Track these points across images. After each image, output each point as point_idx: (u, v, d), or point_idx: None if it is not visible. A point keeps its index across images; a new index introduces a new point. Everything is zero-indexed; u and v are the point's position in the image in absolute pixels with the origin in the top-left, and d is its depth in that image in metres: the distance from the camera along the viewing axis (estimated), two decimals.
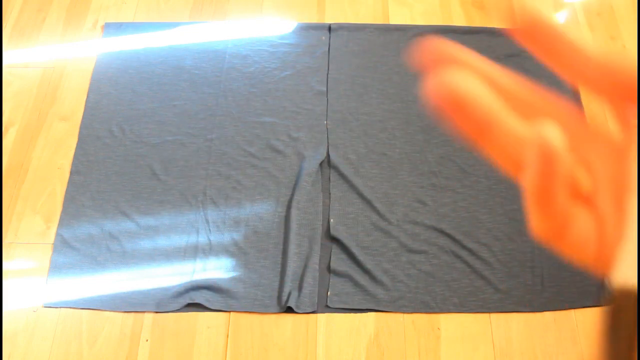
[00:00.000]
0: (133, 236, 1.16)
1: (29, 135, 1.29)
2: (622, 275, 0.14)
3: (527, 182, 0.15)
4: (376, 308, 1.09)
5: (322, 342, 1.06)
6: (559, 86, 1.34)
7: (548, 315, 1.09)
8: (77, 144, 1.27)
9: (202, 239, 1.16)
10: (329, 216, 1.18)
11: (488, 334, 1.07)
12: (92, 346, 1.05)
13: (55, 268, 1.12)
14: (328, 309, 1.09)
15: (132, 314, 1.08)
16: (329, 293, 1.10)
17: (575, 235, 0.16)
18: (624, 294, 0.14)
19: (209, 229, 1.16)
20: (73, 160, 1.25)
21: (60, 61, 1.40)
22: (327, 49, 1.40)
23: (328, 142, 1.27)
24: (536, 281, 1.12)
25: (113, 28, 1.44)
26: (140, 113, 1.31)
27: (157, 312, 1.08)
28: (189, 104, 1.32)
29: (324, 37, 1.42)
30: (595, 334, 1.08)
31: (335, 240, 1.15)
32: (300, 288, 1.09)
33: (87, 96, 1.33)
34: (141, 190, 1.21)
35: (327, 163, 1.25)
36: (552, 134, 0.14)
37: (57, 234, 1.16)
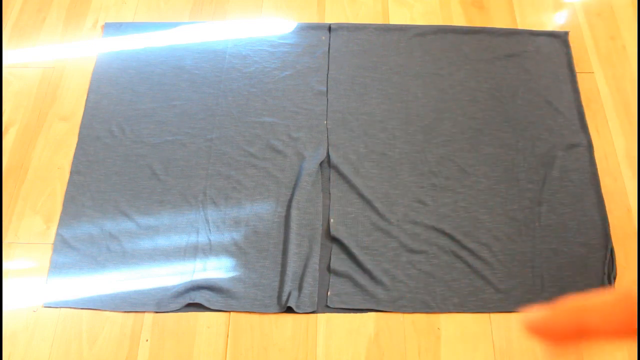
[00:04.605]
0: (133, 236, 1.16)
1: (29, 135, 1.29)
2: None
3: None
4: (376, 308, 1.09)
5: (322, 342, 1.06)
6: (561, 90, 1.34)
7: None
8: (77, 144, 1.27)
9: (202, 239, 1.16)
10: (329, 216, 1.18)
11: (488, 334, 1.07)
12: (92, 346, 1.05)
13: (55, 268, 1.12)
14: (328, 309, 1.09)
15: (132, 314, 1.08)
16: (329, 293, 1.10)
17: None
18: None
19: (209, 229, 1.16)
20: (73, 160, 1.25)
21: (60, 61, 1.40)
22: (327, 49, 1.40)
23: (328, 142, 1.27)
24: (536, 281, 1.12)
25: (113, 28, 1.44)
26: (140, 113, 1.31)
27: (157, 312, 1.08)
28: (189, 104, 1.32)
29: (324, 37, 1.42)
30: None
31: (335, 240, 1.15)
32: (300, 288, 1.09)
33: (87, 96, 1.34)
34: (141, 190, 1.21)
35: (327, 163, 1.25)
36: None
37: (57, 234, 1.16)
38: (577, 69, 1.38)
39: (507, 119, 1.30)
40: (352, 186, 1.21)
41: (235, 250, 1.14)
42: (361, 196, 1.20)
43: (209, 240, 1.15)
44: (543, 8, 1.50)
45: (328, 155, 1.25)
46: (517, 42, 1.42)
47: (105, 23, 1.45)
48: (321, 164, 1.24)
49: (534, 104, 1.32)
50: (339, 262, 1.13)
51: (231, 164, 1.24)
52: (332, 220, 1.17)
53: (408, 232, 1.16)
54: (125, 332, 1.07)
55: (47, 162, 1.25)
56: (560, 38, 1.42)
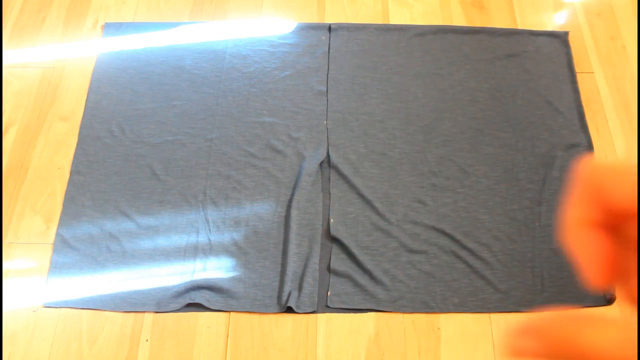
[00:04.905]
0: (133, 236, 1.16)
1: (29, 135, 1.29)
2: None
3: None
4: (376, 308, 1.09)
5: (322, 342, 1.06)
6: (561, 93, 1.34)
7: None
8: (77, 144, 1.27)
9: (202, 239, 1.16)
10: (329, 216, 1.18)
11: (488, 334, 1.07)
12: (92, 346, 1.05)
13: (55, 268, 1.12)
14: (328, 309, 1.09)
15: (132, 314, 1.08)
16: (329, 293, 1.10)
17: None
18: None
19: (209, 229, 1.16)
20: (73, 160, 1.25)
21: (60, 61, 1.40)
22: (327, 49, 1.40)
23: (328, 142, 1.27)
24: (536, 281, 1.12)
25: (113, 28, 1.44)
26: (140, 113, 1.31)
27: (157, 312, 1.08)
28: (189, 104, 1.32)
29: (324, 37, 1.42)
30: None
31: (335, 240, 1.15)
32: (300, 288, 1.09)
33: (87, 96, 1.34)
34: (141, 190, 1.21)
35: (327, 163, 1.25)
36: None
37: (57, 234, 1.16)
38: (577, 69, 1.38)
39: (507, 119, 1.30)
40: (352, 186, 1.21)
41: (235, 250, 1.14)
42: (361, 196, 1.20)
43: (209, 240, 1.15)
44: (543, 8, 1.50)
45: (328, 155, 1.25)
46: (517, 42, 1.42)
47: (105, 23, 1.45)
48: (321, 164, 1.24)
49: (534, 104, 1.32)
50: (339, 262, 1.13)
51: (231, 164, 1.24)
52: (332, 220, 1.17)
53: (408, 232, 1.16)
54: (125, 332, 1.07)
55: (47, 162, 1.25)
56: (560, 38, 1.42)
